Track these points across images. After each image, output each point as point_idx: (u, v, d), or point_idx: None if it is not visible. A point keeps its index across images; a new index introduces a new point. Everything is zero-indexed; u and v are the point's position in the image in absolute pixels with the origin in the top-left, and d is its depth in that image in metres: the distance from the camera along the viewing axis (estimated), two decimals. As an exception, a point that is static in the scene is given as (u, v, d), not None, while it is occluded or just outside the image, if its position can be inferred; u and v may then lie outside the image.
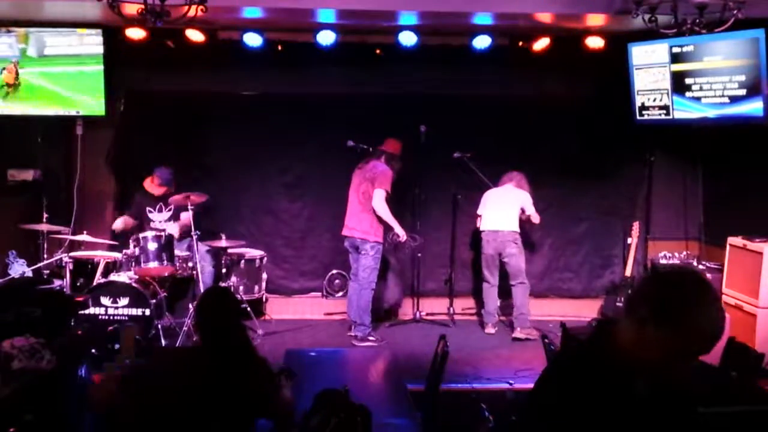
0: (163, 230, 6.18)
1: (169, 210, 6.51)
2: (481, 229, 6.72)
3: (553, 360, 3.17)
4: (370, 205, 6.20)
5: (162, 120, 7.10)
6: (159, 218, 6.56)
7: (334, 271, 7.31)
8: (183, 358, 3.12)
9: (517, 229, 6.61)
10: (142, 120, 7.11)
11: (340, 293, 7.24)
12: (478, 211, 6.82)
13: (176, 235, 6.27)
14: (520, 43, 6.80)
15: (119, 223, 6.48)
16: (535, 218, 6.69)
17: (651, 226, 7.42)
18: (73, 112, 6.75)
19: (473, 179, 7.31)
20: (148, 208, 6.55)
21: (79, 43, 6.51)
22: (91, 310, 5.54)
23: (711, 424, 3.19)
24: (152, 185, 6.50)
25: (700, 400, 3.27)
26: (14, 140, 6.89)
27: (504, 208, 6.64)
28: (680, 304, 1.81)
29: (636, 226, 7.08)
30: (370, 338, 6.28)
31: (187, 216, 6.16)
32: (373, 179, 6.22)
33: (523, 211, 6.64)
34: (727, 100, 5.81)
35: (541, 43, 6.70)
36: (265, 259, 6.87)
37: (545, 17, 6.02)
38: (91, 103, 6.66)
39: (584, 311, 7.14)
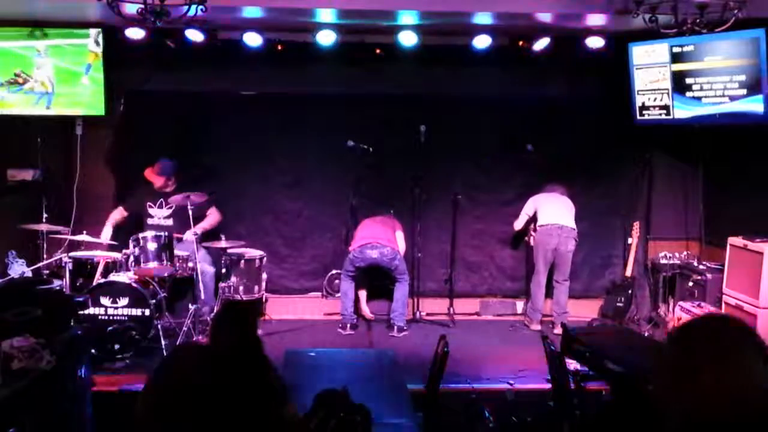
0: (161, 229, 6.16)
1: (170, 207, 6.51)
2: (541, 223, 6.76)
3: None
4: (391, 226, 6.82)
5: (162, 120, 7.10)
6: (159, 214, 6.56)
7: (334, 271, 7.30)
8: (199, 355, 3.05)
9: (576, 229, 6.74)
10: (142, 120, 7.10)
11: (340, 293, 7.24)
12: (527, 211, 6.87)
13: (199, 236, 6.28)
14: (520, 43, 6.79)
15: (107, 233, 6.41)
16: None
17: (651, 226, 7.42)
18: (73, 112, 6.74)
19: (473, 179, 7.33)
20: (148, 203, 6.56)
21: (80, 42, 6.53)
22: (91, 310, 5.54)
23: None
24: (151, 173, 6.52)
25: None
26: (14, 140, 6.88)
27: (564, 207, 6.77)
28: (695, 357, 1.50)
29: (636, 226, 7.08)
30: (405, 328, 6.67)
31: (214, 217, 6.36)
32: (394, 221, 6.89)
33: None
34: (727, 99, 5.81)
35: (541, 43, 6.69)
36: (265, 259, 6.86)
37: (545, 17, 6.01)
38: (91, 103, 6.67)
39: (584, 311, 7.13)
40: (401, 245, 6.76)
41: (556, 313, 6.74)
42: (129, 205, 6.62)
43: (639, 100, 6.59)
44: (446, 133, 7.06)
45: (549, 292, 6.92)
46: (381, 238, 6.60)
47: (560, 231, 6.65)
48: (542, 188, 6.97)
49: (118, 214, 6.59)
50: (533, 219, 6.90)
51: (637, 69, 6.51)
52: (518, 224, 6.95)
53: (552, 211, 6.74)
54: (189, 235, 6.16)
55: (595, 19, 6.04)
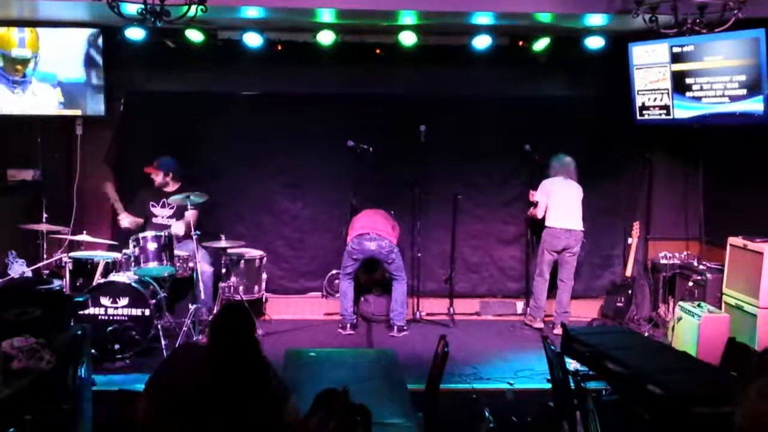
0: (165, 229, 6.16)
1: (172, 207, 6.51)
2: (550, 224, 6.71)
3: None
4: (391, 223, 6.79)
5: (162, 120, 7.09)
6: (162, 213, 6.57)
7: (334, 271, 7.29)
8: (200, 356, 3.06)
9: (583, 229, 6.73)
10: (142, 120, 7.10)
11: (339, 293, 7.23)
12: (538, 199, 6.78)
13: (182, 233, 6.25)
14: (520, 43, 6.80)
15: (126, 222, 6.45)
16: None
17: (651, 226, 7.43)
18: (73, 112, 6.74)
19: (473, 179, 7.33)
20: (151, 203, 6.57)
21: (80, 42, 6.53)
22: (91, 310, 5.54)
23: (711, 424, 3.19)
24: (150, 169, 6.53)
25: (700, 400, 3.28)
26: (14, 140, 6.89)
27: (575, 205, 6.71)
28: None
29: (636, 226, 7.08)
30: (406, 328, 6.65)
31: (192, 213, 6.18)
32: (393, 220, 6.86)
33: None
34: (727, 99, 5.81)
35: (541, 43, 6.69)
36: (265, 259, 6.87)
37: (545, 17, 6.02)
38: (91, 103, 6.66)
39: (584, 311, 7.14)
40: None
41: (557, 312, 6.74)
42: (136, 211, 6.60)
43: (639, 100, 6.59)
44: (446, 133, 7.07)
45: (550, 292, 6.92)
46: (380, 230, 6.58)
47: (568, 234, 6.64)
48: (549, 165, 6.84)
49: (131, 219, 6.56)
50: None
51: (637, 69, 6.51)
52: (540, 213, 6.80)
53: (562, 211, 6.68)
54: (177, 228, 6.20)
55: (595, 19, 6.04)
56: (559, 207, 6.70)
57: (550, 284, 6.86)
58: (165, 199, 6.52)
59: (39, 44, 6.46)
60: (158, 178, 6.52)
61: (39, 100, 6.62)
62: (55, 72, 6.58)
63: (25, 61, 6.47)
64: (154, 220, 6.55)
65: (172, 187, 6.56)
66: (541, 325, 6.77)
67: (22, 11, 6.19)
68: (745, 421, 1.56)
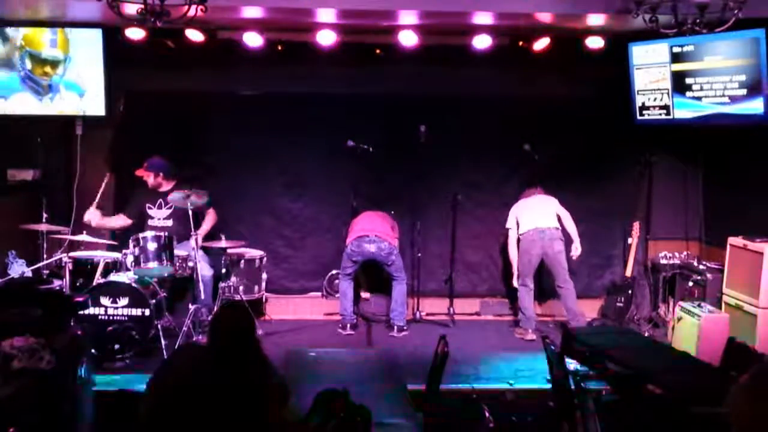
0: (162, 231, 6.16)
1: (169, 208, 6.51)
2: (522, 231, 6.61)
3: None
4: (390, 223, 6.81)
5: (162, 120, 7.09)
6: (158, 215, 6.56)
7: (334, 271, 7.29)
8: (201, 355, 3.06)
9: (560, 227, 6.60)
10: (142, 120, 7.10)
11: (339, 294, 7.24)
12: (509, 225, 6.73)
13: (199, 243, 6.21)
14: (520, 43, 6.79)
15: (90, 216, 6.31)
16: (574, 234, 6.62)
17: (651, 226, 7.43)
18: (72, 112, 6.74)
19: (473, 179, 7.33)
20: (147, 205, 6.56)
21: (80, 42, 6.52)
22: (91, 310, 5.54)
23: (711, 424, 3.19)
24: (141, 171, 6.53)
25: (700, 400, 3.28)
26: (14, 140, 6.88)
27: (544, 209, 6.62)
28: None
29: (636, 226, 7.07)
30: (405, 328, 6.63)
31: (212, 217, 6.37)
32: (393, 220, 6.89)
33: (559, 219, 6.60)
34: (727, 99, 5.82)
35: (541, 43, 6.69)
36: (265, 259, 6.87)
37: (545, 17, 6.01)
38: (91, 103, 6.66)
39: (584, 311, 7.10)
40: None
41: (570, 319, 6.53)
42: (130, 212, 6.61)
43: (639, 100, 6.59)
44: (446, 133, 7.06)
45: (543, 297, 6.90)
46: (380, 232, 6.57)
47: (542, 234, 6.50)
48: (519, 196, 6.87)
49: (121, 220, 6.58)
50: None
51: (637, 69, 6.51)
52: (511, 244, 6.72)
53: (531, 216, 6.60)
54: (192, 242, 6.11)
55: (595, 19, 6.04)
56: (528, 213, 6.62)
57: (539, 292, 6.78)
58: (161, 200, 6.52)
59: (69, 47, 6.31)
60: (150, 179, 6.52)
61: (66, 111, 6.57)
62: (77, 81, 6.47)
63: (56, 63, 6.26)
64: (150, 222, 6.53)
65: (165, 186, 6.55)
66: (534, 337, 6.51)
67: (23, 11, 6.18)
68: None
